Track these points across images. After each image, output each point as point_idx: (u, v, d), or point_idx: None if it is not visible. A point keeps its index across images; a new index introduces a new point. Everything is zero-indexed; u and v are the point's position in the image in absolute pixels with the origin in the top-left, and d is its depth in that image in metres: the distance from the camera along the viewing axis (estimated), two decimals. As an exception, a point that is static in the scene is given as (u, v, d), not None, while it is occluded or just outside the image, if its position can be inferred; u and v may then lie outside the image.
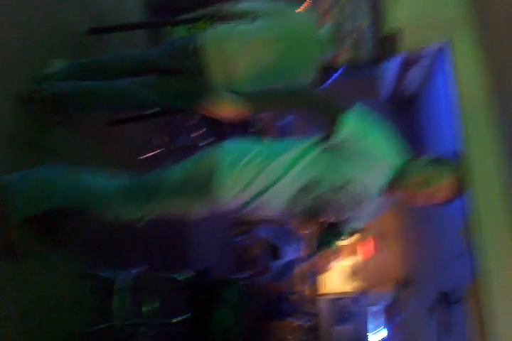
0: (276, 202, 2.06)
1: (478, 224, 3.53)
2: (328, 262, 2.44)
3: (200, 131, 4.08)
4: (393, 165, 1.97)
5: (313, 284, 10.15)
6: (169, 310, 3.09)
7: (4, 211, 2.01)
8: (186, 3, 3.69)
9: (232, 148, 2.10)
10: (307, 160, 1.99)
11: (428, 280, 6.20)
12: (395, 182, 1.97)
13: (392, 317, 9.25)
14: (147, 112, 3.16)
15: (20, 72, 2.39)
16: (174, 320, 2.94)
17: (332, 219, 2.18)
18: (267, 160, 2.01)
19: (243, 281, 5.68)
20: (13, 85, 2.32)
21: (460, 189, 1.97)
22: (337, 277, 10.41)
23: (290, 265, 6.82)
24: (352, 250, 10.08)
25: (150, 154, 3.69)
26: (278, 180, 1.99)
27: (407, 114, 6.19)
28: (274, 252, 6.26)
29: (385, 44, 3.55)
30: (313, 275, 9.60)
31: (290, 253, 6.73)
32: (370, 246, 10.12)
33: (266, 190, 2.01)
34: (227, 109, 1.97)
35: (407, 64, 5.32)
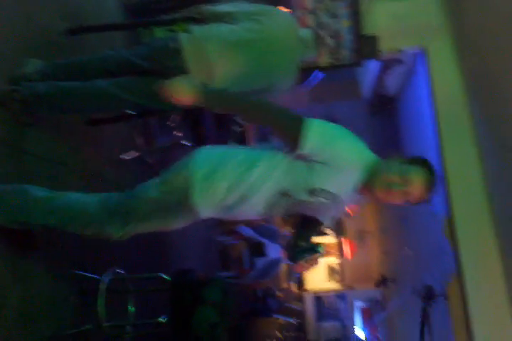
0: (252, 209, 2.07)
1: (459, 222, 3.60)
2: (307, 267, 2.40)
3: (179, 133, 4.07)
4: (362, 168, 1.98)
5: (299, 281, 10.21)
6: (154, 310, 3.10)
7: None
8: (165, 4, 3.67)
9: (204, 159, 2.08)
10: (280, 170, 1.99)
11: (410, 277, 6.25)
12: (368, 182, 1.99)
13: (372, 314, 9.33)
14: (126, 113, 3.15)
15: None
16: (159, 320, 2.95)
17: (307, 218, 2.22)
18: (241, 172, 2.00)
19: (227, 279, 5.71)
20: None
21: (433, 188, 1.99)
22: (322, 274, 10.49)
23: (275, 262, 6.84)
24: (336, 248, 10.17)
25: (129, 155, 3.67)
26: (254, 189, 1.99)
27: (386, 116, 6.24)
28: (259, 250, 6.28)
29: (366, 46, 3.58)
30: (299, 272, 9.65)
31: (275, 251, 6.75)
32: (353, 244, 10.20)
33: (242, 199, 2.01)
34: (182, 92, 1.92)
35: (386, 67, 5.36)
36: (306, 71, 3.82)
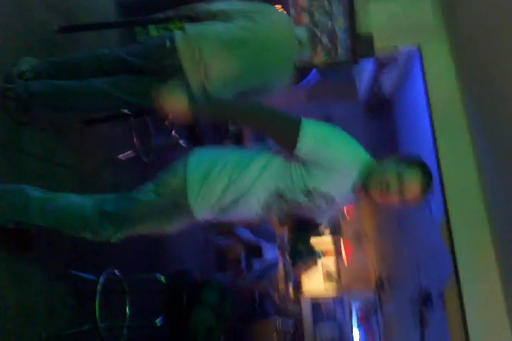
0: (248, 209, 2.07)
1: (455, 224, 3.59)
2: (306, 270, 2.41)
3: (176, 133, 4.06)
4: (358, 169, 1.98)
5: (296, 283, 10.19)
6: (150, 312, 3.08)
7: None
8: (160, 3, 3.66)
9: (199, 160, 2.08)
10: (273, 170, 1.99)
11: (407, 279, 6.25)
12: (364, 183, 1.98)
13: (369, 317, 9.33)
14: (122, 113, 3.14)
15: None
16: (156, 321, 2.93)
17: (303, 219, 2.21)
18: (235, 172, 2.00)
19: (224, 281, 5.69)
20: None
21: (429, 189, 1.98)
22: (319, 277, 10.47)
23: (272, 264, 6.83)
24: (333, 250, 10.16)
25: (125, 155, 3.66)
26: (247, 190, 1.99)
27: (382, 117, 6.25)
28: (256, 251, 6.27)
29: (361, 44, 3.59)
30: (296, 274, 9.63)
31: (272, 252, 6.75)
32: (349, 246, 10.19)
33: (237, 200, 2.01)
34: (174, 104, 1.92)
35: (381, 66, 5.36)
36: (302, 70, 3.83)
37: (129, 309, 3.05)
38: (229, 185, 2.00)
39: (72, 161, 2.96)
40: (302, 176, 1.95)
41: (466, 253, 3.50)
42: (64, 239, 2.62)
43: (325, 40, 3.59)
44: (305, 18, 3.61)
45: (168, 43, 2.35)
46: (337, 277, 10.64)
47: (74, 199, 2.17)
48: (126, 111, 2.94)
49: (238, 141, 5.58)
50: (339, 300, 10.72)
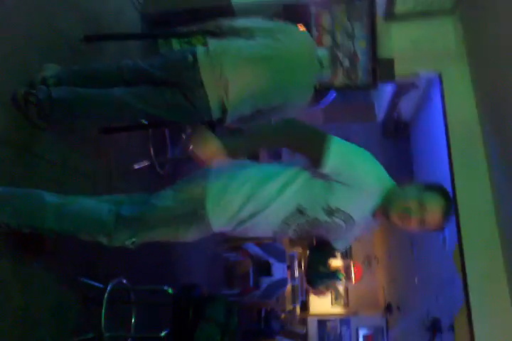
0: (266, 224, 2.04)
1: (468, 251, 3.55)
2: (327, 293, 2.36)
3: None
4: (380, 192, 1.96)
5: (303, 304, 10.11)
6: (156, 323, 3.08)
7: None
8: (183, 17, 3.71)
9: (220, 171, 2.06)
10: (296, 186, 1.97)
11: (416, 304, 6.18)
12: (385, 207, 1.97)
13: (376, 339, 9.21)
14: (140, 123, 3.16)
15: (13, 74, 2.38)
16: (162, 334, 2.92)
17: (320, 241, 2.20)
18: (256, 186, 1.99)
19: (232, 297, 5.66)
20: (5, 87, 2.31)
21: (450, 216, 1.97)
22: (327, 298, 10.38)
23: (280, 283, 6.79)
24: (342, 272, 10.07)
25: (140, 165, 3.69)
26: (268, 204, 1.97)
27: (399, 140, 6.24)
28: (265, 269, 6.23)
29: (382, 68, 3.60)
30: (304, 294, 9.56)
31: (281, 271, 6.70)
32: (359, 269, 10.11)
33: (256, 214, 1.99)
34: (209, 152, 1.85)
35: (400, 91, 5.37)
36: (321, 90, 3.85)
37: (135, 319, 3.05)
38: (249, 198, 1.98)
39: (87, 168, 2.97)
40: (325, 194, 1.94)
41: (478, 282, 3.46)
42: (75, 245, 2.63)
43: (345, 62, 3.62)
44: (327, 40, 3.65)
45: (190, 57, 2.36)
46: (345, 299, 10.54)
47: (90, 203, 2.16)
48: (143, 121, 2.96)
49: (254, 156, 5.59)
50: (346, 322, 10.61)
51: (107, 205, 2.13)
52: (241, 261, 6.31)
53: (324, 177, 1.91)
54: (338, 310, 10.66)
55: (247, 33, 2.51)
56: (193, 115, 2.44)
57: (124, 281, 2.96)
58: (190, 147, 1.86)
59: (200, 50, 2.40)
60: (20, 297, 2.27)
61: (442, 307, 4.53)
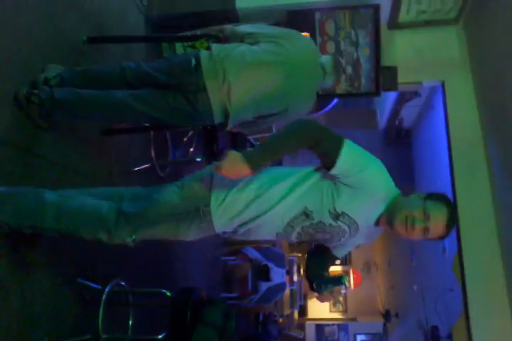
0: (270, 226, 2.04)
1: (468, 259, 3.55)
2: (331, 298, 2.34)
3: (193, 148, 4.08)
4: (386, 200, 1.98)
5: (301, 309, 10.10)
6: (153, 326, 3.08)
7: None
8: (187, 21, 3.71)
9: None
10: (305, 187, 1.97)
11: (414, 312, 6.17)
12: (389, 216, 1.98)
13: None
14: (141, 125, 3.15)
15: (16, 74, 2.39)
16: (159, 337, 2.92)
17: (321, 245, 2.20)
18: (265, 186, 1.99)
19: (230, 301, 5.66)
20: (7, 87, 2.32)
21: (454, 225, 1.97)
22: (326, 303, 10.37)
23: (279, 287, 6.78)
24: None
25: (142, 167, 3.71)
26: (273, 206, 1.97)
27: (401, 147, 6.25)
28: (264, 273, 6.23)
29: (385, 76, 3.61)
30: (302, 299, 9.56)
31: (279, 276, 6.70)
32: (358, 275, 10.11)
33: (261, 215, 1.98)
34: (236, 171, 1.84)
35: (402, 99, 5.39)
36: (323, 97, 3.86)
37: (132, 322, 3.05)
38: (254, 199, 1.98)
39: (87, 169, 2.98)
40: (333, 198, 1.93)
41: (477, 290, 3.46)
42: (74, 247, 2.64)
43: (349, 69, 3.63)
44: (331, 47, 3.66)
45: (193, 61, 2.36)
46: (344, 305, 10.54)
47: (90, 200, 2.16)
48: (145, 124, 2.96)
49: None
50: (344, 328, 10.61)
51: (106, 202, 2.13)
52: (240, 265, 6.31)
53: (334, 179, 1.92)
54: (336, 315, 10.65)
55: (251, 39, 2.52)
56: (195, 119, 2.45)
57: (123, 283, 2.96)
58: (218, 170, 1.84)
59: (203, 54, 2.40)
60: (18, 297, 2.27)
61: (441, 315, 4.52)
